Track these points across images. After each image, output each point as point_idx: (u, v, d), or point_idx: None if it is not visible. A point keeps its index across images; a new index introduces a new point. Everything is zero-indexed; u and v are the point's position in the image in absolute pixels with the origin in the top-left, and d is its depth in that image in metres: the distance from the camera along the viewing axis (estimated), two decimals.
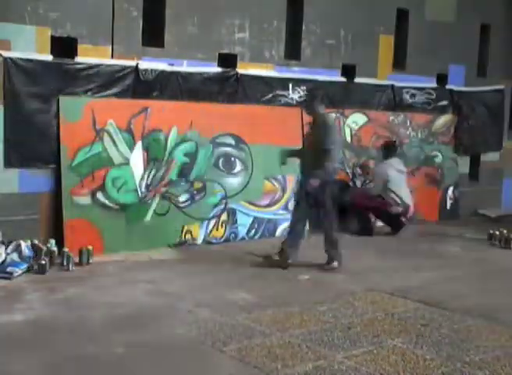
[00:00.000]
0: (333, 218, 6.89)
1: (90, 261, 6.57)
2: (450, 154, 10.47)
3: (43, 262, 6.19)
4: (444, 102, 10.38)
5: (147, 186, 7.46)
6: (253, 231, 8.24)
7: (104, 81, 7.19)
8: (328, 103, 8.98)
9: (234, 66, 8.23)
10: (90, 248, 6.61)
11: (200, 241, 7.81)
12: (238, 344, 4.59)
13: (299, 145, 8.67)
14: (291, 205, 8.60)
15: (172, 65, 7.67)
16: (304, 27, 8.85)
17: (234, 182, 8.15)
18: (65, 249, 6.50)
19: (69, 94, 6.99)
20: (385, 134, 9.60)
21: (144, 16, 7.47)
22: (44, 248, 6.46)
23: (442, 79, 10.41)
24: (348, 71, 9.31)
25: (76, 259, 6.50)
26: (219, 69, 8.08)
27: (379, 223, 9.13)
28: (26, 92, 6.73)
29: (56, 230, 6.91)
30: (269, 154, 8.41)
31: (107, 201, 7.17)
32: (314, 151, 6.76)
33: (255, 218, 8.27)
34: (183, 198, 7.72)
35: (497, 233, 8.49)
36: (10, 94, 6.66)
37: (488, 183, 10.92)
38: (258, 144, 8.35)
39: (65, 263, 6.38)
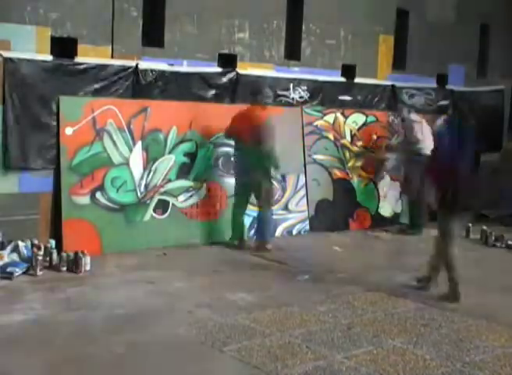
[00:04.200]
0: None
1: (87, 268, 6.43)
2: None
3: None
4: (444, 102, 10.39)
5: (147, 186, 7.46)
6: (252, 231, 8.23)
7: (104, 81, 7.18)
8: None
9: (234, 66, 8.23)
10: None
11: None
12: (238, 344, 4.59)
13: (298, 146, 8.73)
14: (291, 205, 8.62)
15: (172, 65, 7.67)
16: (303, 27, 8.85)
17: (234, 182, 8.14)
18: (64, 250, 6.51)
19: (69, 94, 6.99)
20: (385, 134, 9.60)
21: (143, 16, 7.47)
22: (43, 248, 6.45)
23: (442, 79, 10.42)
24: (348, 71, 9.31)
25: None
26: (219, 69, 8.08)
27: None
28: (25, 92, 6.72)
29: (56, 230, 6.91)
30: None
31: (106, 201, 7.17)
32: None
33: (255, 218, 8.25)
34: (182, 197, 7.72)
35: (492, 233, 8.53)
36: (10, 94, 6.65)
37: (488, 183, 10.90)
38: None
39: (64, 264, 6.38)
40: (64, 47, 6.97)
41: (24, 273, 6.16)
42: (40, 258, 6.20)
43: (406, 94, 9.92)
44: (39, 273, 6.16)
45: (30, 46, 6.73)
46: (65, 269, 6.33)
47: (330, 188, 9.04)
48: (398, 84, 9.81)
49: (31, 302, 5.40)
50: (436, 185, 6.05)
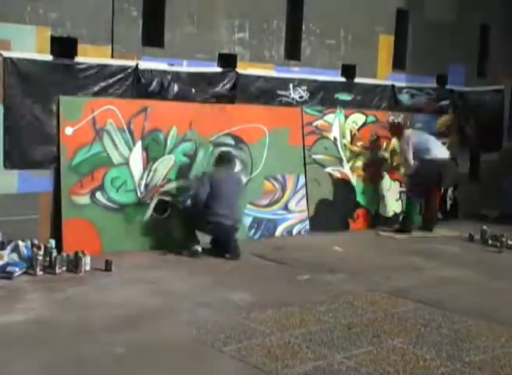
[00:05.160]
0: None
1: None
2: (450, 154, 10.45)
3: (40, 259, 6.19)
4: (444, 102, 10.39)
5: (146, 186, 7.46)
6: (252, 231, 8.24)
7: (104, 81, 7.19)
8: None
9: (234, 66, 8.23)
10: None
11: None
12: (238, 344, 4.59)
13: (298, 146, 8.70)
14: (291, 205, 8.62)
15: (172, 65, 7.67)
16: (303, 27, 8.85)
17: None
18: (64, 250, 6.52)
19: (69, 94, 6.99)
20: (385, 134, 9.60)
21: (143, 16, 7.47)
22: (43, 248, 6.44)
23: (442, 79, 10.42)
24: (348, 71, 9.31)
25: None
26: (219, 69, 8.08)
27: None
28: (26, 92, 6.72)
29: (56, 230, 6.91)
30: (269, 154, 8.43)
31: (106, 201, 7.17)
32: None
33: (255, 218, 8.27)
34: (182, 197, 7.71)
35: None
36: (10, 94, 6.65)
37: (488, 183, 10.91)
38: (258, 144, 8.35)
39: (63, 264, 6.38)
40: (64, 47, 6.97)
41: (24, 272, 6.16)
42: (40, 258, 6.20)
43: (406, 94, 9.92)
44: (39, 273, 6.16)
45: (30, 46, 6.73)
46: (64, 269, 6.33)
47: (330, 188, 9.05)
48: (398, 84, 9.81)
49: (31, 302, 5.40)
50: None
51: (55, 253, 6.40)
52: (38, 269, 6.16)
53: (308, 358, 4.37)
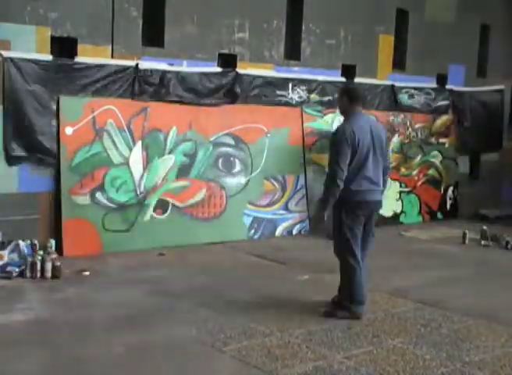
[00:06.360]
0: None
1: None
2: (450, 154, 10.47)
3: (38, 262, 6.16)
4: (444, 102, 10.39)
5: (146, 186, 7.46)
6: (252, 231, 8.24)
7: (104, 81, 7.19)
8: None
9: (234, 66, 8.23)
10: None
11: None
12: (238, 344, 4.59)
13: (298, 146, 8.71)
14: (291, 205, 8.62)
15: (172, 65, 7.67)
16: (303, 27, 8.85)
17: (234, 182, 8.14)
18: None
19: (69, 94, 6.99)
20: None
21: (143, 16, 7.48)
22: (43, 248, 6.43)
23: (442, 79, 10.42)
24: (348, 71, 9.32)
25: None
26: (219, 69, 8.08)
27: None
28: (26, 92, 6.73)
29: (56, 230, 6.91)
30: (269, 154, 8.43)
31: (106, 201, 7.17)
32: None
33: (255, 218, 8.27)
34: (181, 197, 7.70)
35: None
36: (10, 94, 6.65)
37: (488, 183, 10.92)
38: (258, 144, 8.35)
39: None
40: (64, 47, 6.98)
41: (24, 272, 6.15)
42: (40, 258, 6.20)
43: (406, 94, 9.93)
44: (39, 273, 6.15)
45: (30, 46, 6.73)
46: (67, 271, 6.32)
47: None
48: (398, 84, 9.81)
49: (31, 302, 5.40)
50: None
51: (55, 253, 6.39)
52: (38, 269, 6.15)
53: (308, 359, 4.37)
